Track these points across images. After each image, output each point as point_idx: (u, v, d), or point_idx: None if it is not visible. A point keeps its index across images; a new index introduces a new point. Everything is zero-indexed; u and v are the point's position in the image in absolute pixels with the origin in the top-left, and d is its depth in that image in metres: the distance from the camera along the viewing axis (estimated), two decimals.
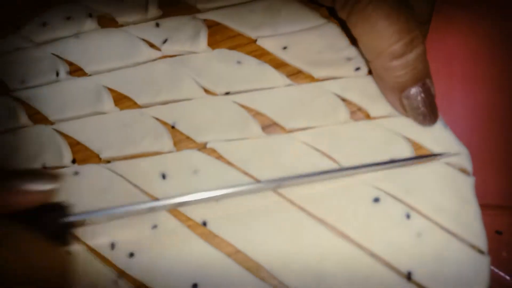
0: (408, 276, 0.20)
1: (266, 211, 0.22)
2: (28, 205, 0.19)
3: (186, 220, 0.22)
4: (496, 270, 0.25)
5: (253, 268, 0.21)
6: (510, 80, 0.29)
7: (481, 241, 0.20)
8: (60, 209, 0.20)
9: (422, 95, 0.22)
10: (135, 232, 0.22)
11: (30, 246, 0.18)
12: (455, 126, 0.23)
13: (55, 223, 0.19)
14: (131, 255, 0.22)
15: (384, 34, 0.21)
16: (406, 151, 0.22)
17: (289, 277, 0.21)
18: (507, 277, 0.25)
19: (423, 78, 0.21)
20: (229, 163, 0.22)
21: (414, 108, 0.22)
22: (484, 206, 0.24)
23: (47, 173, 0.19)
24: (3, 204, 0.18)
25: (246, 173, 0.22)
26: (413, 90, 0.21)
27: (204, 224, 0.22)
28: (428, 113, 0.22)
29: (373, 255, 0.21)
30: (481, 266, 0.20)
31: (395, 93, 0.22)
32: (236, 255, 0.21)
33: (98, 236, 0.22)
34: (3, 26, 0.27)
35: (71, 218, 0.20)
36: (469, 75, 0.30)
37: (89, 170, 0.23)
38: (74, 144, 0.24)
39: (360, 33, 0.22)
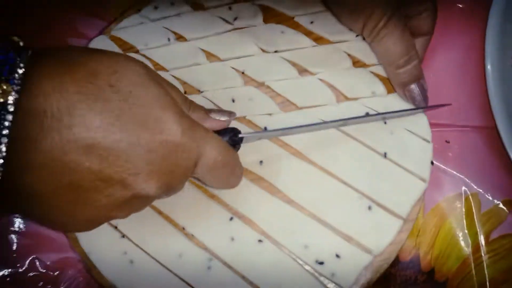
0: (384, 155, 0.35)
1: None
2: (218, 128, 0.31)
3: None
4: (443, 167, 0.39)
5: None
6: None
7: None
8: (232, 130, 0.32)
9: (417, 89, 0.36)
10: None
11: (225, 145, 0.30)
12: None
13: (232, 138, 0.32)
14: None
15: (393, 53, 0.35)
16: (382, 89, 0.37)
17: None
18: (452, 171, 0.39)
19: (418, 79, 0.36)
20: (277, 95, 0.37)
21: (412, 98, 0.36)
22: (437, 124, 0.39)
23: (227, 111, 0.32)
24: (209, 126, 0.30)
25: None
26: (412, 87, 0.36)
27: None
28: (422, 101, 0.36)
29: None
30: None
31: (400, 87, 0.36)
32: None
33: None
34: (127, 10, 0.42)
35: (241, 135, 0.32)
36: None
37: (195, 99, 0.38)
38: (183, 83, 0.39)
39: (378, 51, 0.36)
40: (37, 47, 0.25)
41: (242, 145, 0.32)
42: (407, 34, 0.35)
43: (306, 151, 0.36)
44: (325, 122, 0.35)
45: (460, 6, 0.43)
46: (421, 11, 0.37)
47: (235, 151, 0.32)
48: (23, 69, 0.23)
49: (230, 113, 0.32)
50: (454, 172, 0.39)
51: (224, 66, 0.39)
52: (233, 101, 0.38)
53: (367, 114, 0.36)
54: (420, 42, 0.37)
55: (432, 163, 0.36)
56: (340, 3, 0.36)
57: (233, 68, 0.39)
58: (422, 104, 0.36)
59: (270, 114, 0.37)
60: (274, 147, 0.36)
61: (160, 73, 0.39)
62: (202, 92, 0.38)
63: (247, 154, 0.35)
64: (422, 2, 0.36)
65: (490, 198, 0.38)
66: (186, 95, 0.38)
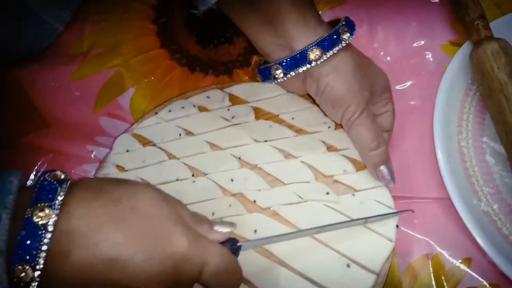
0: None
1: None
2: (222, 239, 0.35)
3: None
4: (411, 232, 0.47)
5: None
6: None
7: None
8: (232, 240, 0.35)
9: (386, 170, 0.44)
10: None
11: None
12: None
13: (231, 247, 0.35)
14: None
15: (365, 138, 0.44)
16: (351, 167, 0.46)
17: None
18: (418, 236, 0.47)
19: (386, 162, 0.44)
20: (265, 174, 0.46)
21: (382, 177, 0.44)
22: (403, 197, 0.47)
23: (228, 222, 0.35)
24: (213, 238, 0.34)
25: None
26: (382, 167, 0.44)
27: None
28: (390, 180, 0.44)
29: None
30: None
31: (372, 168, 0.44)
32: None
33: None
34: (146, 113, 0.52)
35: (239, 244, 0.35)
36: None
37: (201, 181, 0.47)
38: (191, 168, 0.48)
39: (353, 137, 0.45)
40: (74, 179, 0.31)
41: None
42: (376, 125, 0.44)
43: (297, 223, 0.43)
44: (313, 228, 0.40)
45: (412, 103, 0.54)
46: (384, 111, 0.46)
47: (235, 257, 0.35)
48: (63, 197, 0.29)
49: (231, 225, 0.35)
50: (420, 236, 0.46)
51: (224, 153, 0.48)
52: (232, 180, 0.46)
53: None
54: (385, 136, 0.47)
55: (397, 226, 0.43)
56: (325, 99, 0.44)
57: (231, 154, 0.48)
58: (390, 182, 0.45)
59: (259, 190, 0.46)
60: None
61: (172, 161, 0.48)
62: (207, 174, 0.47)
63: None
64: (385, 104, 0.46)
65: (452, 257, 0.45)
66: (193, 177, 0.47)
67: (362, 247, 0.42)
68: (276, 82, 0.47)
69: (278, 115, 0.49)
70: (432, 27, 0.58)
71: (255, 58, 0.58)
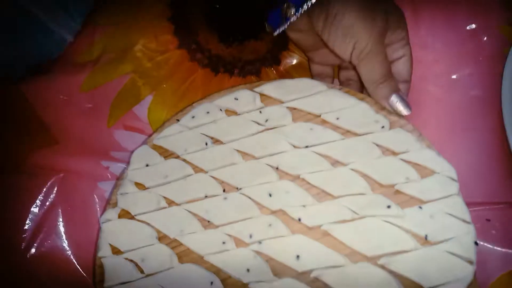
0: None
1: None
2: None
3: None
4: (489, 245, 0.39)
5: None
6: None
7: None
8: None
9: (398, 98, 0.39)
10: None
11: None
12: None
13: None
14: None
15: (375, 73, 0.40)
16: (415, 174, 0.38)
17: None
18: (498, 248, 0.39)
19: (396, 90, 0.40)
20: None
21: (395, 106, 0.40)
22: (474, 203, 0.39)
23: None
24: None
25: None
26: (392, 97, 0.40)
27: None
28: (404, 107, 0.39)
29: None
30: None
31: (384, 101, 0.40)
32: None
33: None
34: (167, 121, 0.46)
35: None
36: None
37: (234, 196, 0.40)
38: (221, 182, 0.41)
39: (362, 71, 0.41)
40: None
41: None
42: (387, 60, 0.41)
43: (354, 245, 0.36)
44: None
45: (473, 93, 0.46)
46: (400, 55, 0.42)
47: None
48: None
49: None
50: (501, 249, 0.38)
51: (259, 164, 0.41)
52: (270, 195, 0.39)
53: None
54: (403, 88, 0.42)
55: (476, 243, 0.35)
56: (334, 29, 0.40)
57: (268, 164, 0.41)
58: (406, 110, 0.40)
59: (304, 206, 0.38)
60: None
61: (199, 175, 0.42)
62: (240, 189, 0.40)
63: None
64: (402, 46, 0.42)
65: None
66: (225, 193, 0.40)
67: (435, 273, 0.34)
68: (287, 25, 0.42)
69: (320, 116, 0.42)
70: (485, 8, 0.51)
71: (284, 54, 0.51)
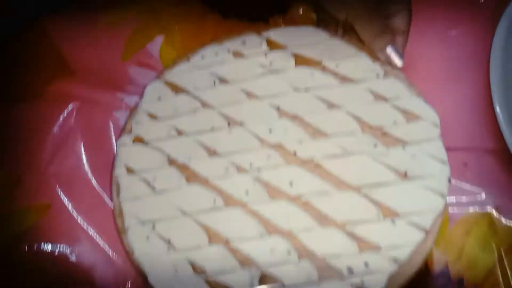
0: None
1: None
2: None
3: None
4: (463, 185, 0.43)
5: None
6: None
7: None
8: None
9: (392, 49, 0.42)
10: None
11: None
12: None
13: None
14: None
15: (372, 31, 0.43)
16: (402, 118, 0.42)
17: None
18: (471, 190, 0.43)
19: (392, 42, 0.43)
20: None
21: (388, 57, 0.43)
22: (454, 148, 0.44)
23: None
24: None
25: None
26: (388, 48, 0.43)
27: None
28: (399, 58, 0.42)
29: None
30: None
31: (380, 53, 0.43)
32: None
33: None
34: (178, 59, 0.49)
35: None
36: None
37: (237, 130, 0.44)
38: (226, 117, 0.45)
39: (359, 29, 0.44)
40: None
41: None
42: (382, 14, 0.43)
43: (341, 177, 0.41)
44: None
45: (466, 49, 0.49)
46: (398, 10, 0.44)
47: None
48: None
49: None
50: (474, 190, 0.43)
51: (262, 103, 0.45)
52: (270, 131, 0.43)
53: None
54: (399, 41, 0.44)
55: (449, 180, 0.40)
56: None
57: (270, 104, 0.45)
58: (399, 62, 0.43)
59: (300, 141, 0.43)
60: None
61: (207, 110, 0.46)
62: (244, 124, 0.44)
63: None
64: (399, 1, 0.43)
65: (509, 212, 0.42)
66: (229, 127, 0.44)
67: (410, 203, 0.39)
68: None
69: (321, 62, 0.46)
70: None
71: (292, 4, 0.54)
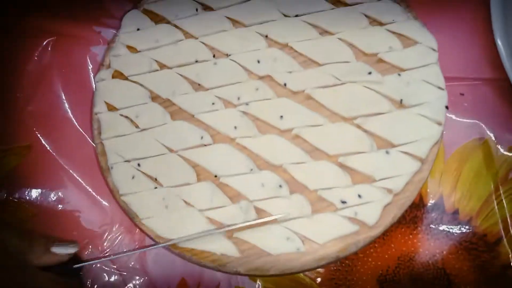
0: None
1: None
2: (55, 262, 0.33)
3: None
4: (460, 115, 0.42)
5: None
6: None
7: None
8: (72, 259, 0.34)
9: None
10: None
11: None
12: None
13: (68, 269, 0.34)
14: None
15: None
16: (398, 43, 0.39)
17: None
18: (468, 120, 0.42)
19: None
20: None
21: None
22: (451, 78, 0.41)
23: (71, 241, 0.34)
24: (38, 262, 0.32)
25: None
26: None
27: None
28: None
29: None
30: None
31: None
32: None
33: None
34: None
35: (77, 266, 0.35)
36: None
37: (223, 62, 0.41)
38: (211, 48, 0.42)
39: None
40: None
41: None
42: None
43: (334, 108, 0.39)
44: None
45: None
46: None
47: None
48: None
49: (73, 245, 0.35)
50: (470, 120, 0.41)
51: (249, 31, 0.42)
52: (258, 62, 0.41)
53: None
54: None
55: (447, 107, 0.38)
56: None
57: (257, 32, 0.42)
58: None
59: (290, 72, 0.40)
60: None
61: (190, 40, 0.42)
62: (230, 55, 0.41)
63: None
64: None
65: (505, 142, 0.40)
66: (215, 59, 0.41)
67: (405, 132, 0.37)
68: None
69: None
70: None
71: None
